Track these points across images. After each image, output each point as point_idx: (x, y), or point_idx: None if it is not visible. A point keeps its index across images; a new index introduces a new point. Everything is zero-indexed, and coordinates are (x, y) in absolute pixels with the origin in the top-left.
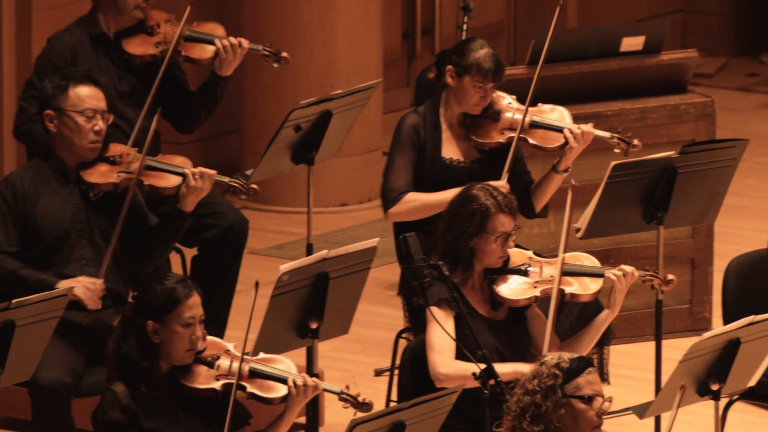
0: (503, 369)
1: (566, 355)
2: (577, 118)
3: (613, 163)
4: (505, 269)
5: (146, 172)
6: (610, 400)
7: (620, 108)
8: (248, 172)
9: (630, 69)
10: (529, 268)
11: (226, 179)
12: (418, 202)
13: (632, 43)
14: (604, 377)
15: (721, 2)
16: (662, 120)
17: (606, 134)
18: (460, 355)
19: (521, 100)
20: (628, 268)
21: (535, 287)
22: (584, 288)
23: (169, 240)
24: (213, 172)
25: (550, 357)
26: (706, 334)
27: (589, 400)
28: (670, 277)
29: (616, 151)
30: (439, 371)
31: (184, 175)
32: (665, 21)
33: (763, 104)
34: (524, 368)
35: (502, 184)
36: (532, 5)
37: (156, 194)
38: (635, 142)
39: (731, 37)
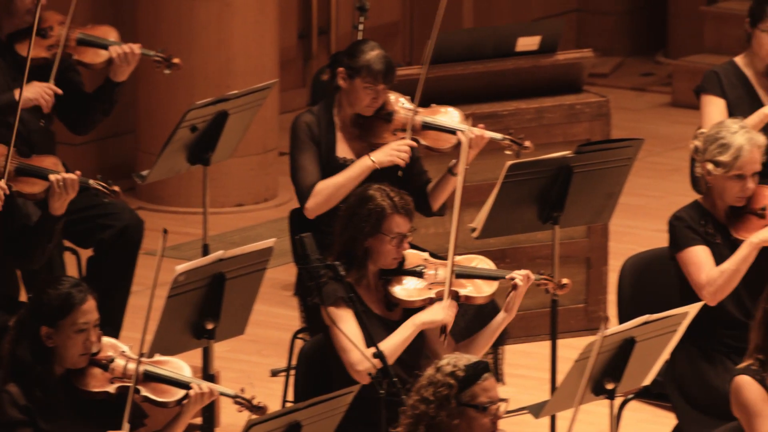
0: (402, 331)
1: (462, 361)
2: (472, 118)
3: (509, 162)
4: (401, 270)
5: (17, 177)
6: (506, 401)
7: (516, 108)
8: (144, 173)
9: (525, 69)
10: (424, 270)
11: (91, 182)
12: (330, 187)
13: (528, 42)
14: (499, 377)
15: (616, 2)
16: (558, 119)
17: (498, 135)
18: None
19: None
20: (524, 272)
21: (430, 289)
22: (479, 290)
23: (43, 243)
24: (75, 177)
25: (446, 362)
26: (600, 334)
27: (484, 408)
28: (565, 281)
29: (508, 152)
30: (359, 368)
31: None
32: (560, 21)
33: (658, 104)
34: (421, 317)
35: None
36: (427, 5)
37: (24, 199)
38: (527, 143)
39: (626, 37)
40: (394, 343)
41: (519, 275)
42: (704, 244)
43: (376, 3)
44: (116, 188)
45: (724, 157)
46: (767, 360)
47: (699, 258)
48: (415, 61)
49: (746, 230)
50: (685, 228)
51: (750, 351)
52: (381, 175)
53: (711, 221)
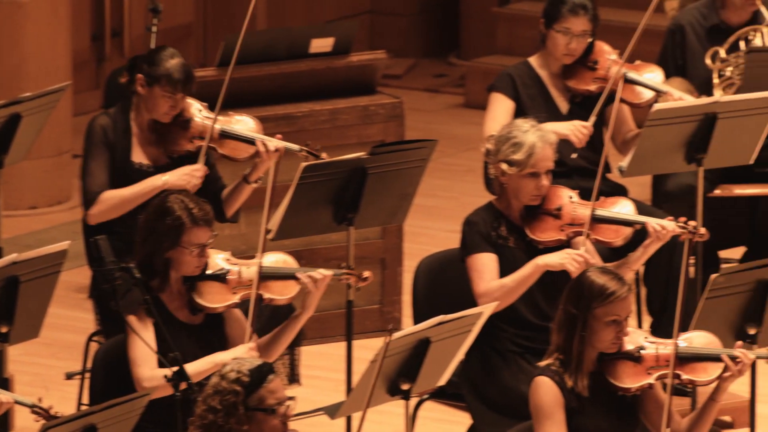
0: (201, 365)
1: (246, 366)
2: (267, 120)
3: (304, 164)
4: (204, 275)
5: None
6: (293, 399)
7: (310, 109)
8: None
9: (319, 70)
10: (227, 275)
11: None
12: (115, 198)
13: (321, 44)
14: (295, 378)
15: (408, 3)
16: (352, 121)
17: (295, 147)
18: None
19: (212, 103)
20: (324, 272)
21: (234, 293)
22: (281, 292)
23: None
24: None
25: (229, 369)
26: (396, 334)
27: (273, 411)
28: (366, 273)
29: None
30: (145, 386)
31: None
32: (353, 22)
33: (451, 105)
34: (223, 356)
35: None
36: (221, 7)
37: None
38: (323, 156)
39: (419, 39)
40: (201, 369)
41: (319, 274)
42: (493, 252)
43: (170, 5)
44: None
45: (517, 156)
46: (567, 360)
47: (482, 266)
48: (208, 62)
49: (542, 230)
50: (476, 233)
51: (550, 350)
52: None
53: (505, 223)
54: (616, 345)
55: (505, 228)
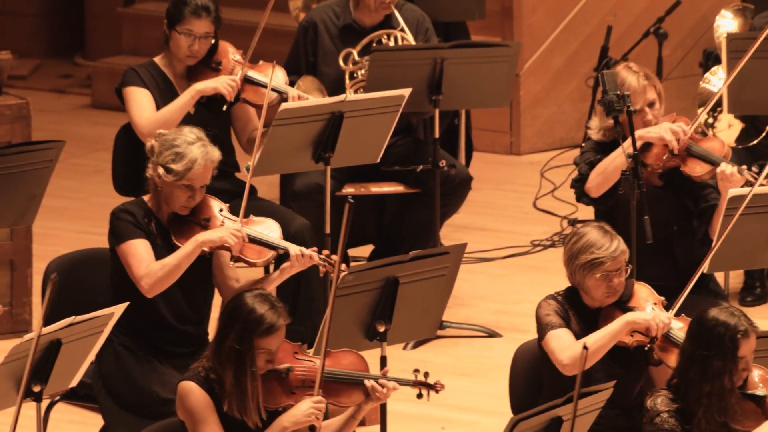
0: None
1: None
2: None
3: None
4: None
5: None
6: None
7: None
8: None
9: None
10: None
11: None
12: None
13: None
14: None
15: (32, 4)
16: None
17: None
18: None
19: None
20: None
21: None
22: None
23: None
24: None
25: None
26: (27, 336)
27: None
28: None
29: None
30: None
31: None
32: None
33: (77, 105)
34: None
35: None
36: None
37: None
38: None
39: (44, 39)
40: None
41: None
42: (146, 239)
43: None
44: None
45: (176, 166)
46: (237, 394)
47: (138, 250)
48: None
49: (186, 238)
50: (128, 222)
51: (207, 365)
52: None
53: (155, 221)
54: (266, 369)
55: (155, 226)
